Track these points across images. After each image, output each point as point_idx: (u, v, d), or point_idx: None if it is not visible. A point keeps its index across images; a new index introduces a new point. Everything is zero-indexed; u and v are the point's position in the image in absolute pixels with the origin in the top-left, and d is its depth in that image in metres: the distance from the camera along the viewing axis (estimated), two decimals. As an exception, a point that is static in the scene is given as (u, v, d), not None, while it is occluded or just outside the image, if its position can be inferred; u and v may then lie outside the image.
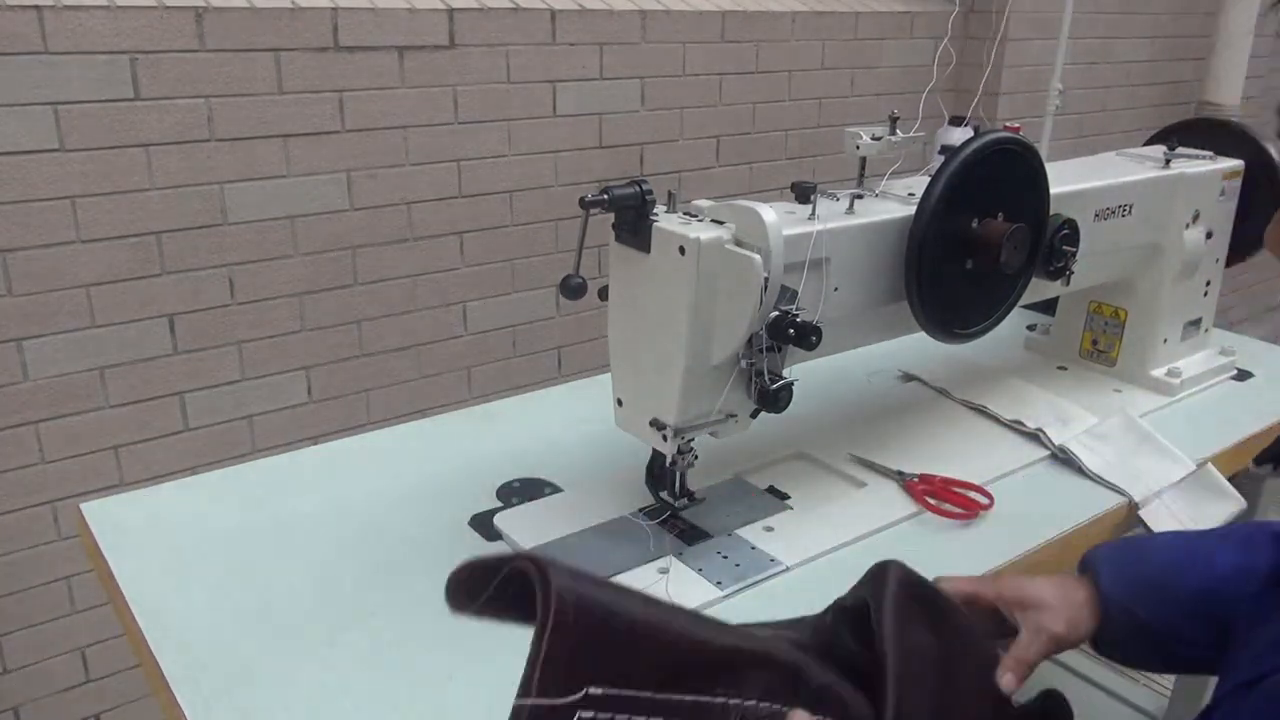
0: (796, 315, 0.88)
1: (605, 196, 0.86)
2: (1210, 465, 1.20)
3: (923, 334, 1.08)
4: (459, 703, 0.79)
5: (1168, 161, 1.38)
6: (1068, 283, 1.20)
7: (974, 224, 1.03)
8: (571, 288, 0.86)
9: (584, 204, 0.85)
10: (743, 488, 1.11)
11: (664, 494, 1.03)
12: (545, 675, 0.52)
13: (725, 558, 0.98)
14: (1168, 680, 1.95)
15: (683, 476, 1.02)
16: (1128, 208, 1.28)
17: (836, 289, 0.97)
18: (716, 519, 1.04)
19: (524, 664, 0.51)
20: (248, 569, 0.95)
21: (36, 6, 1.57)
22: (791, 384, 0.93)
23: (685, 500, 1.03)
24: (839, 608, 0.73)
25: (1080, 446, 1.20)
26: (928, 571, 0.93)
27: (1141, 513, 1.14)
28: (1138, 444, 1.22)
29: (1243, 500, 1.18)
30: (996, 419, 1.28)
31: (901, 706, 0.63)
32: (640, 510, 1.05)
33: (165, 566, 0.96)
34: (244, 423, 1.96)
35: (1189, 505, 1.16)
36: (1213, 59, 3.37)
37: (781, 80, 2.55)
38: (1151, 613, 0.78)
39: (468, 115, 2.05)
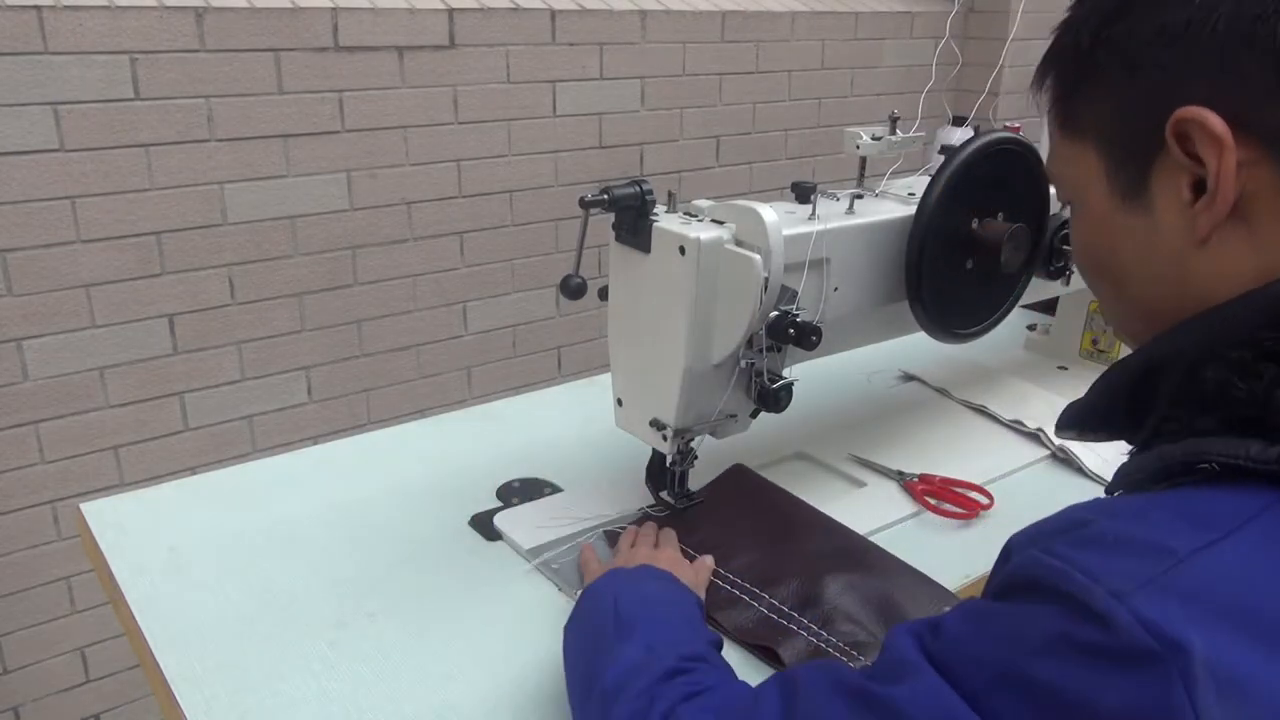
0: (796, 315, 0.88)
1: (605, 196, 0.86)
2: (1210, 465, 1.20)
3: (923, 334, 1.08)
4: (459, 703, 0.79)
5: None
6: (1068, 283, 1.20)
7: (974, 224, 1.03)
8: (571, 288, 0.86)
9: (584, 204, 0.85)
10: (743, 488, 1.11)
11: (664, 494, 1.03)
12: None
13: (725, 558, 0.98)
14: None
15: (683, 476, 1.02)
16: (1128, 208, 1.28)
17: (836, 289, 0.97)
18: (716, 519, 1.04)
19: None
20: (248, 569, 0.95)
21: (36, 6, 1.57)
22: (791, 384, 0.93)
23: (685, 500, 1.03)
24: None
25: (1080, 446, 1.20)
26: (928, 572, 0.93)
27: (1141, 513, 1.14)
28: (1138, 444, 1.22)
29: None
30: (996, 419, 1.28)
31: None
32: (641, 510, 1.05)
33: (165, 566, 0.96)
34: (244, 423, 1.96)
35: (1189, 505, 1.16)
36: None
37: (781, 80, 2.55)
38: None
39: (468, 115, 2.05)
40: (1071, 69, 0.58)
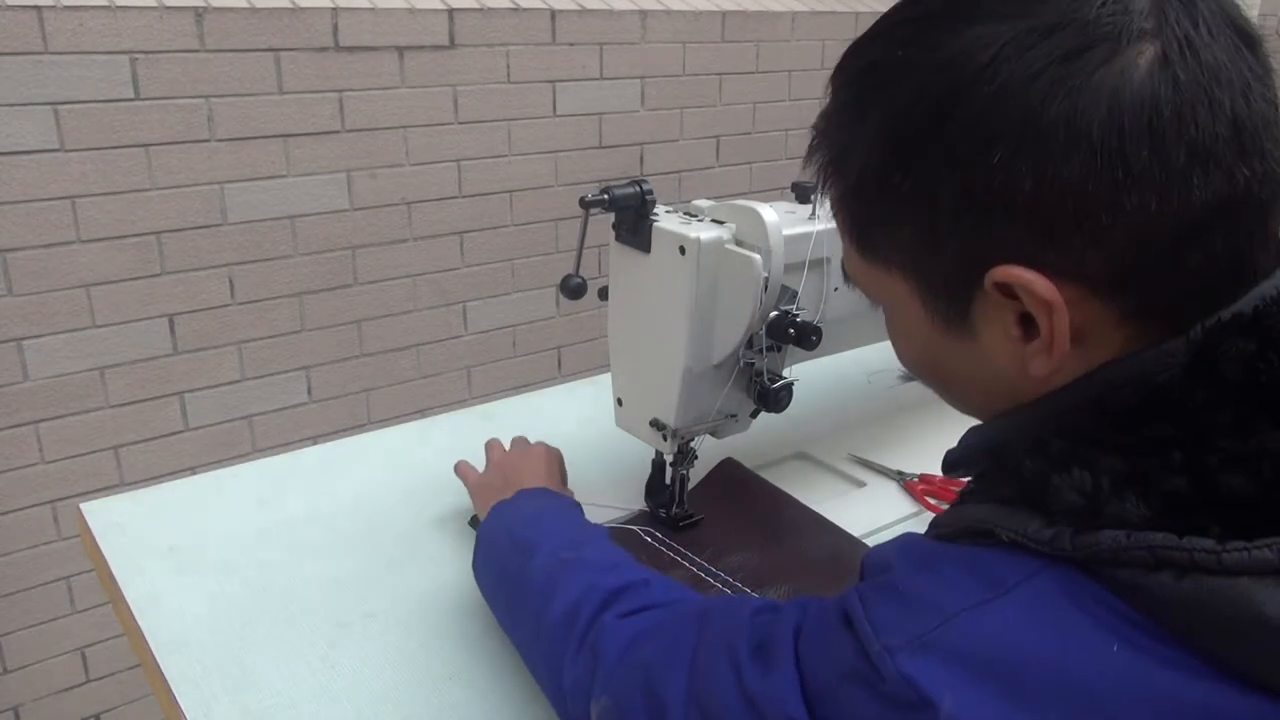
0: (796, 315, 0.88)
1: (605, 196, 0.86)
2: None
3: (923, 334, 1.08)
4: (459, 703, 0.79)
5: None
6: (1068, 283, 1.20)
7: (974, 224, 1.03)
8: (571, 288, 0.86)
9: (584, 204, 0.85)
10: (743, 488, 1.11)
11: (663, 513, 1.02)
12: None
13: (725, 558, 0.98)
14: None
15: (683, 489, 1.01)
16: (1128, 208, 1.28)
17: (836, 289, 0.97)
18: (716, 519, 1.04)
19: None
20: (248, 569, 0.95)
21: (36, 6, 1.57)
22: (791, 384, 0.93)
23: (685, 518, 1.01)
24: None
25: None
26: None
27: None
28: (1138, 444, 1.22)
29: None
30: (996, 419, 1.28)
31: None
32: (641, 510, 1.05)
33: (165, 566, 0.96)
34: (244, 423, 1.96)
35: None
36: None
37: (781, 80, 2.55)
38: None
39: (468, 115, 2.05)
40: (861, 189, 0.53)
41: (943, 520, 0.54)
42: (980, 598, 0.47)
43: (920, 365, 0.59)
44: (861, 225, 0.55)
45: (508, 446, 1.00)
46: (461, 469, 1.00)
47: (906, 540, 0.55)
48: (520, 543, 0.80)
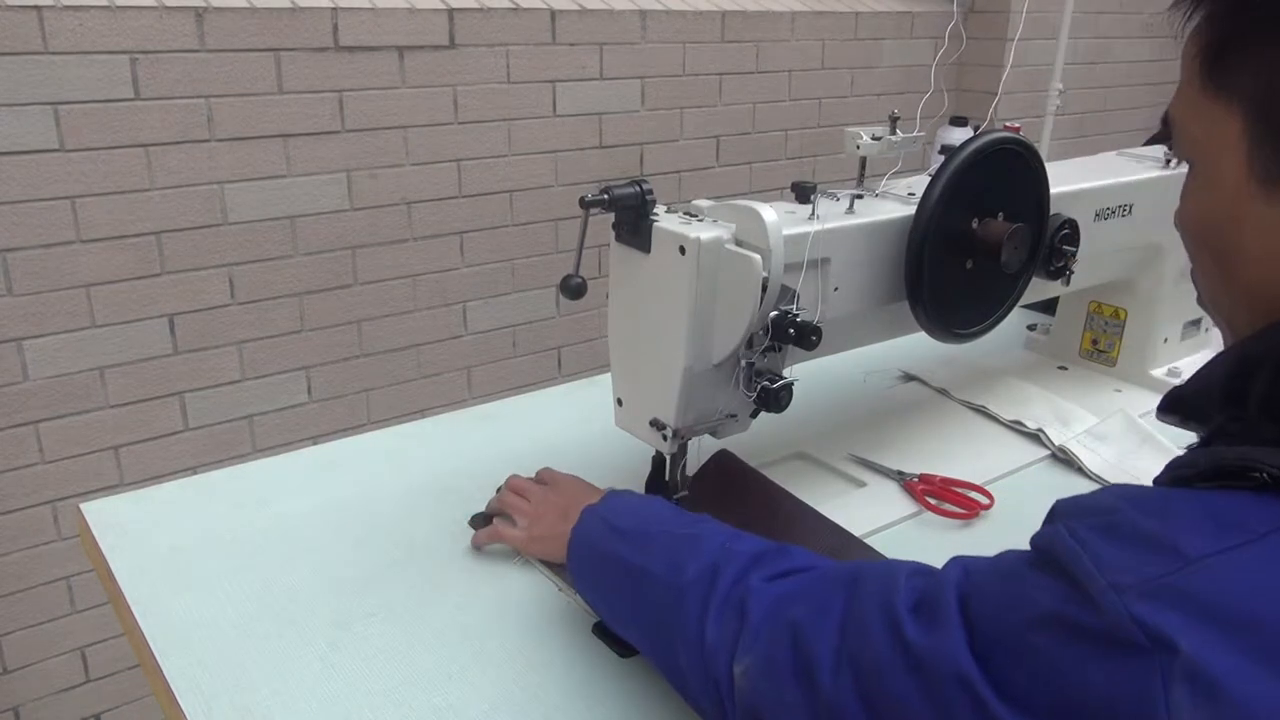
0: (796, 315, 0.88)
1: (605, 196, 0.86)
2: (1210, 465, 1.20)
3: (923, 334, 1.08)
4: (459, 703, 0.79)
5: (1168, 161, 1.38)
6: (1068, 283, 1.20)
7: (974, 224, 1.03)
8: (571, 288, 0.86)
9: (584, 204, 0.85)
10: (743, 488, 1.11)
11: None
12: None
13: (725, 558, 0.98)
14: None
15: (683, 482, 1.01)
16: (1128, 208, 1.28)
17: (836, 289, 0.97)
18: (716, 519, 1.04)
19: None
20: (248, 569, 0.95)
21: (36, 6, 1.57)
22: (791, 384, 0.93)
23: None
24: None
25: (1080, 447, 1.20)
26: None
27: (1141, 513, 1.14)
28: (1138, 444, 1.22)
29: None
30: (996, 419, 1.28)
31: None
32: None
33: (165, 566, 0.96)
34: (244, 423, 1.96)
35: (1189, 505, 1.15)
36: (1213, 59, 3.36)
37: (781, 80, 2.55)
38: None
39: (468, 115, 2.05)
40: (1233, 14, 0.51)
41: (1184, 461, 0.51)
42: (1225, 544, 0.43)
43: (1208, 230, 0.55)
44: (1217, 46, 0.52)
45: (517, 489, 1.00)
46: (502, 532, 0.97)
47: (1130, 488, 0.50)
48: (628, 531, 0.79)
